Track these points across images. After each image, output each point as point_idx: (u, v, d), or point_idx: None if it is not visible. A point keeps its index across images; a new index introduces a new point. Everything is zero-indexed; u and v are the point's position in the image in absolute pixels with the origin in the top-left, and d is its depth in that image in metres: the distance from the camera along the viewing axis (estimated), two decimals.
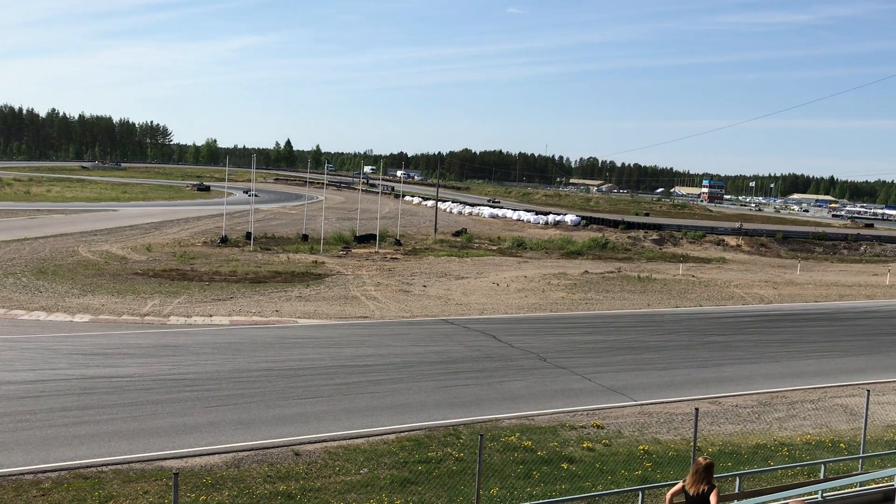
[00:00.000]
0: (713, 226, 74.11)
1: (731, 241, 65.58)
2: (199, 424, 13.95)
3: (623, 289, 35.97)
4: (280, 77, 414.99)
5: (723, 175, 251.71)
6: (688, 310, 31.08)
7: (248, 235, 48.95)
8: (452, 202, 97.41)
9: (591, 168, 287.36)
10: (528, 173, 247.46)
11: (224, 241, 47.33)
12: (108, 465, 11.88)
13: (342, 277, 35.50)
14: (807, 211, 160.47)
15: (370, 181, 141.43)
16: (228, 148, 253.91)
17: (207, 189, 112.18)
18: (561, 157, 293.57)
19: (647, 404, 17.00)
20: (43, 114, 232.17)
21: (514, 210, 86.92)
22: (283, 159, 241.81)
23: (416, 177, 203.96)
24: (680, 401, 17.33)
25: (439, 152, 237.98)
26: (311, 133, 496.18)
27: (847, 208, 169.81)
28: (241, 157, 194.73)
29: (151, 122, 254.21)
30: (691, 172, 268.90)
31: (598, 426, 15.25)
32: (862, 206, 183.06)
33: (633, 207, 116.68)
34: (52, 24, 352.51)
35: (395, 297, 30.64)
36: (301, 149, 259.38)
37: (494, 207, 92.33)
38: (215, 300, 27.82)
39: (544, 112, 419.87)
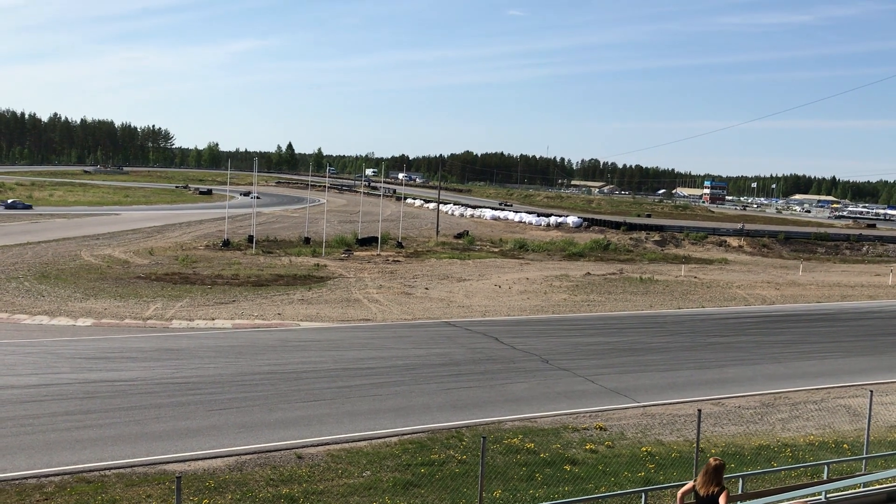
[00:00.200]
0: (715, 227, 74.12)
1: (733, 242, 65.56)
2: (201, 428, 13.95)
3: (625, 290, 35.95)
4: (281, 80, 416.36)
5: (724, 176, 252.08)
6: (690, 311, 31.05)
7: (251, 239, 49.05)
8: (454, 204, 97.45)
9: (592, 169, 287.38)
10: (529, 175, 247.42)
11: (226, 244, 47.41)
12: (111, 469, 11.89)
13: (344, 280, 35.53)
14: (808, 211, 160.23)
15: (372, 184, 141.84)
16: (230, 151, 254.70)
17: (209, 192, 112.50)
18: (562, 159, 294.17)
19: (649, 406, 16.98)
20: (45, 118, 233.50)
21: (516, 212, 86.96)
22: (285, 162, 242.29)
23: (417, 179, 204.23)
24: (683, 402, 17.30)
25: (441, 154, 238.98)
26: (313, 136, 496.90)
27: (849, 209, 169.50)
28: (242, 161, 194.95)
29: (153, 126, 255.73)
30: (693, 173, 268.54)
31: (600, 428, 15.22)
32: (864, 207, 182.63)
33: (634, 209, 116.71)
34: (54, 29, 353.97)
35: (397, 299, 30.65)
36: (302, 152, 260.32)
37: (498, 210, 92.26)
38: (218, 304, 27.85)
39: (546, 114, 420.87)
